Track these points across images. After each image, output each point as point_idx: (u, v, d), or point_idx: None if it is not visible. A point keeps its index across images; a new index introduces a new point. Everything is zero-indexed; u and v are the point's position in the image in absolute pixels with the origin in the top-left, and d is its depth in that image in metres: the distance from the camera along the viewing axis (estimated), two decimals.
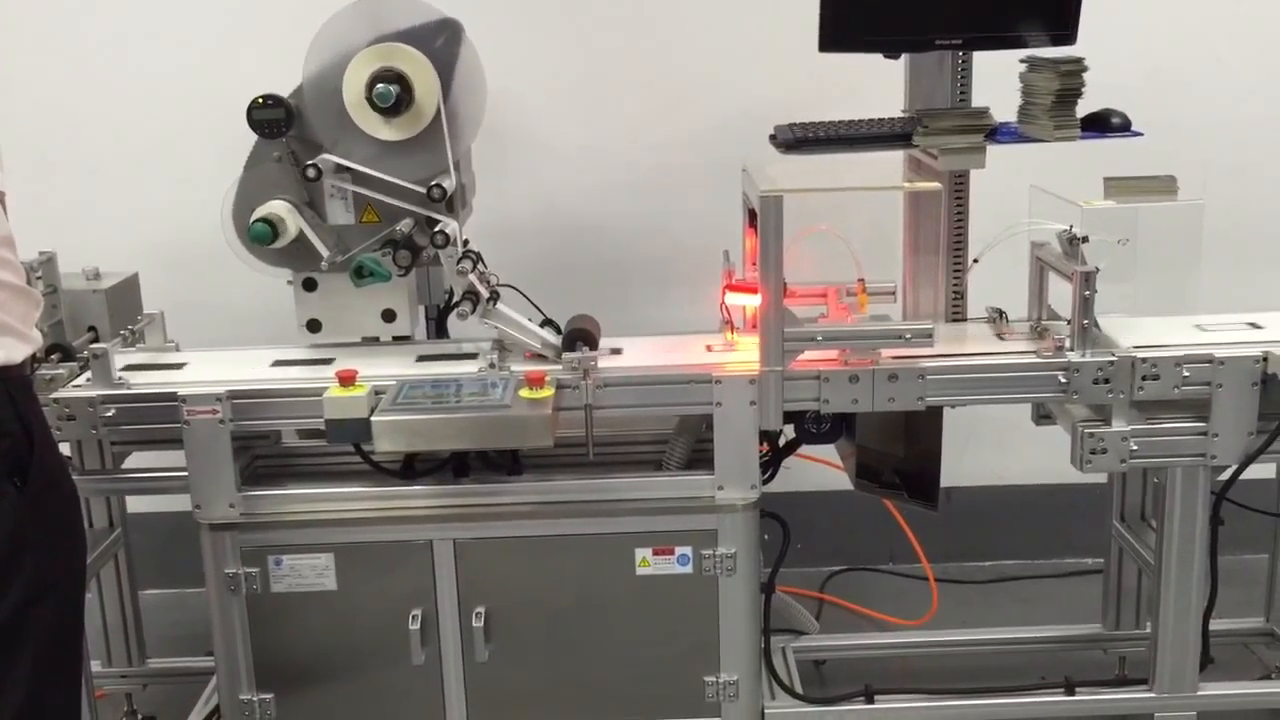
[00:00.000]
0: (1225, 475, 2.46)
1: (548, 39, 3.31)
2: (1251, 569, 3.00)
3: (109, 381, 2.44)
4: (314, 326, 2.62)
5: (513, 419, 2.26)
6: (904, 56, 2.64)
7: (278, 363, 2.57)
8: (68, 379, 2.47)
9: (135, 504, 2.92)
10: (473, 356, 2.56)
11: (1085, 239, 2.40)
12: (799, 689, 2.68)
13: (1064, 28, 2.51)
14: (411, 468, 2.51)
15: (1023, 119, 2.58)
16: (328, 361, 2.55)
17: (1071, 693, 2.64)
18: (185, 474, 2.42)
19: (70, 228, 2.87)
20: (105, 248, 2.83)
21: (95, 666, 2.79)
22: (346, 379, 2.32)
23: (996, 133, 2.53)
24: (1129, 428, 2.40)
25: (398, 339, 2.65)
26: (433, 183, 2.45)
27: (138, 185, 3.33)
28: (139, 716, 2.93)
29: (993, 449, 3.46)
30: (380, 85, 2.40)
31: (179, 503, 2.50)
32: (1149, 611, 2.71)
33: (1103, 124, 2.53)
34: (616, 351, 2.54)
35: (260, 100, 2.48)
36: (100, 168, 3.33)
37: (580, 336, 2.46)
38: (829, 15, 2.50)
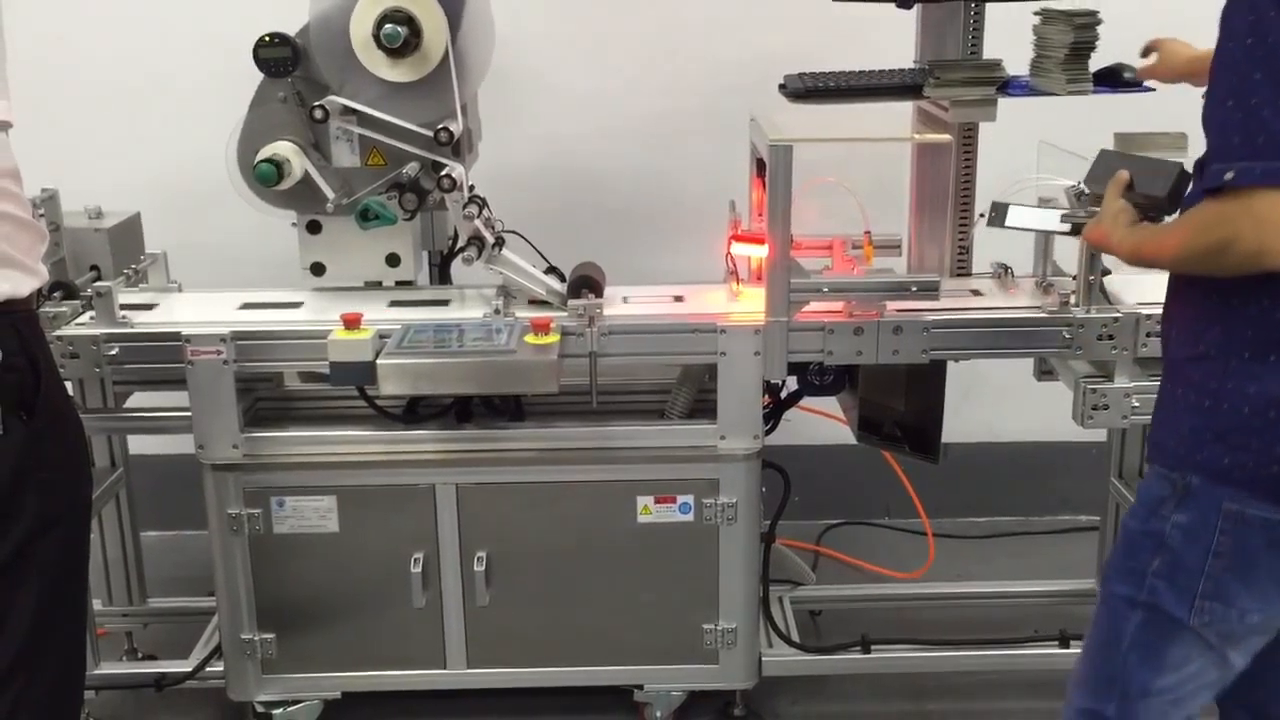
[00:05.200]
0: None
1: None
2: None
3: (113, 320, 2.43)
4: (318, 269, 2.61)
5: (518, 364, 2.26)
6: (916, 6, 2.61)
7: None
8: (70, 317, 2.46)
9: (135, 446, 2.92)
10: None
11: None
12: (796, 638, 2.70)
13: None
14: (414, 412, 2.52)
15: (1035, 72, 2.55)
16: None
17: (1065, 645, 2.66)
18: (188, 414, 2.42)
19: (71, 165, 2.83)
20: (106, 186, 2.80)
21: (96, 605, 2.80)
22: (351, 322, 2.32)
23: (1008, 86, 2.51)
24: (1131, 384, 2.41)
25: (401, 284, 2.65)
26: (440, 126, 2.43)
27: (140, 123, 3.29)
28: (140, 654, 2.94)
29: (992, 406, 3.47)
30: (388, 25, 2.37)
31: (179, 445, 2.50)
32: None
33: (1115, 79, 2.50)
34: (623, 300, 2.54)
35: (266, 38, 2.46)
36: (102, 105, 3.29)
37: (585, 284, 2.46)
38: None
